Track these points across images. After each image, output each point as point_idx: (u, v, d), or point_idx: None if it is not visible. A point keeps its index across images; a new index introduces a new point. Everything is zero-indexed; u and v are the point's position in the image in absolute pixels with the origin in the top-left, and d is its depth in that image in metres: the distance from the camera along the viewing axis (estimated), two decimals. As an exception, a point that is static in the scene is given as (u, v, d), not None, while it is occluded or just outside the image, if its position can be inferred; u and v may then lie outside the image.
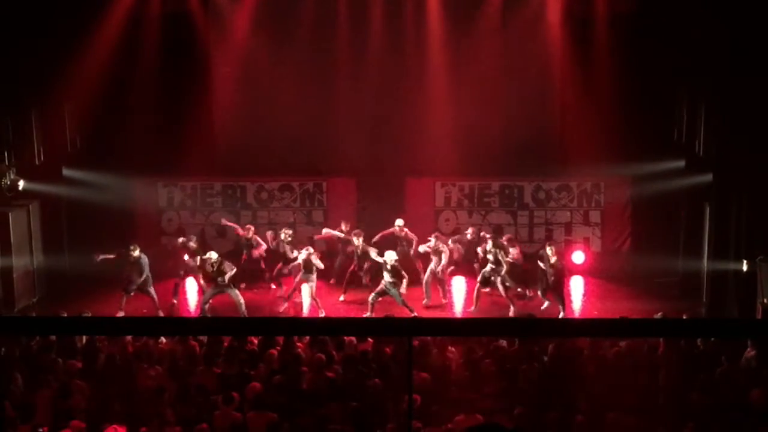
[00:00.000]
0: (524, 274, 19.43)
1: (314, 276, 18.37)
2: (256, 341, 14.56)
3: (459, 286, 20.06)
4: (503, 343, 14.44)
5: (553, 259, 18.10)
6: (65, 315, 15.00)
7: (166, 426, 11.91)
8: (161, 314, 18.10)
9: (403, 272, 17.99)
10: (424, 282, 19.04)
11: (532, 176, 21.70)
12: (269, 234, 20.18)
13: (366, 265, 19.28)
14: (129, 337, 14.26)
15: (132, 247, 18.26)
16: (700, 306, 18.72)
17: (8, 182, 19.25)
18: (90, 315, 15.37)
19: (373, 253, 18.55)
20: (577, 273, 21.08)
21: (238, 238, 20.21)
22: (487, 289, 18.67)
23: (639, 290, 19.82)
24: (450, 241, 19.62)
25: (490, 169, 21.63)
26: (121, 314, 17.63)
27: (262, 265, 19.95)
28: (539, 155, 21.27)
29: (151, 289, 18.36)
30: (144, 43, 20.83)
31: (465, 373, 13.52)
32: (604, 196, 21.68)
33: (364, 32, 21.28)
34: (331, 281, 20.15)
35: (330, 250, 20.67)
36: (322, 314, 18.21)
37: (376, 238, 19.37)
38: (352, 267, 19.41)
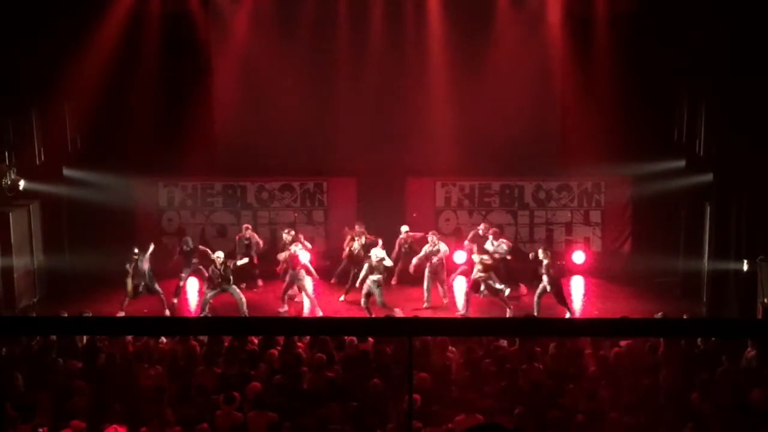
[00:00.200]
0: (512, 272, 19.41)
1: (303, 272, 18.39)
2: (256, 341, 14.56)
3: (460, 287, 20.03)
4: (503, 343, 14.44)
5: (545, 262, 18.03)
6: (66, 315, 14.99)
7: (167, 426, 11.91)
8: (168, 313, 18.13)
9: (386, 269, 18.04)
10: (425, 284, 18.99)
11: (532, 176, 21.69)
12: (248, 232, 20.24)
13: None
14: (129, 337, 14.26)
15: (135, 252, 18.33)
16: (700, 306, 18.71)
17: (9, 182, 19.25)
18: (90, 315, 15.37)
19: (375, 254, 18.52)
20: (577, 273, 21.08)
21: (242, 238, 20.23)
22: (479, 295, 18.54)
23: (639, 290, 19.82)
24: (466, 242, 19.75)
25: (490, 169, 21.62)
26: (121, 314, 17.65)
27: (255, 261, 20.01)
28: (540, 155, 21.27)
29: (158, 287, 18.42)
30: (144, 43, 20.83)
31: (465, 373, 13.52)
32: (605, 195, 21.68)
33: (365, 32, 21.27)
34: (332, 281, 20.17)
35: (330, 251, 20.69)
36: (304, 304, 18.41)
37: (393, 255, 19.49)
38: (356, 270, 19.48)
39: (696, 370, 13.38)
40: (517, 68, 21.20)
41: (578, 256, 21.22)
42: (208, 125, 21.72)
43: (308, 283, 19.05)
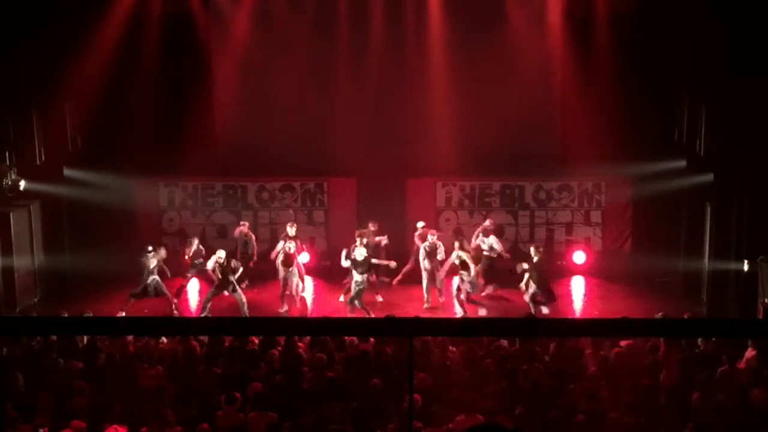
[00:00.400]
0: (497, 271, 19.45)
1: (295, 270, 18.50)
2: (257, 341, 14.56)
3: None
4: (504, 343, 14.44)
5: (535, 259, 18.01)
6: (66, 315, 14.99)
7: (167, 426, 11.91)
8: (176, 314, 18.14)
9: (370, 268, 18.05)
10: (424, 285, 18.96)
11: (532, 176, 21.70)
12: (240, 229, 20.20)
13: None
14: (130, 337, 14.26)
15: (149, 249, 18.38)
16: (700, 306, 18.70)
17: (9, 182, 19.26)
18: (91, 315, 15.37)
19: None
20: (578, 273, 21.10)
21: (240, 236, 20.23)
22: (463, 296, 18.47)
23: (640, 290, 19.82)
24: (474, 238, 19.73)
25: (490, 169, 21.64)
26: (122, 314, 17.66)
27: (254, 258, 20.04)
28: (540, 155, 21.28)
29: (166, 290, 18.45)
30: (145, 43, 20.84)
31: (466, 373, 13.52)
32: (605, 196, 21.69)
33: (365, 32, 21.28)
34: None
35: (331, 251, 20.70)
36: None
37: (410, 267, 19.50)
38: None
39: (696, 370, 13.37)
40: (517, 68, 21.19)
41: (579, 256, 21.25)
42: (209, 125, 21.73)
43: (299, 281, 19.04)
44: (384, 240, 19.65)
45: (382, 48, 21.25)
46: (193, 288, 20.12)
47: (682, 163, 20.00)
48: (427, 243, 18.94)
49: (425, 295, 18.89)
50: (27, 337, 14.15)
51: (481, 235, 19.57)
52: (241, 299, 17.92)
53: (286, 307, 18.76)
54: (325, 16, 21.31)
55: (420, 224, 19.84)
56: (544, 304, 18.10)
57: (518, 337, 14.18)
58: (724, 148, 17.91)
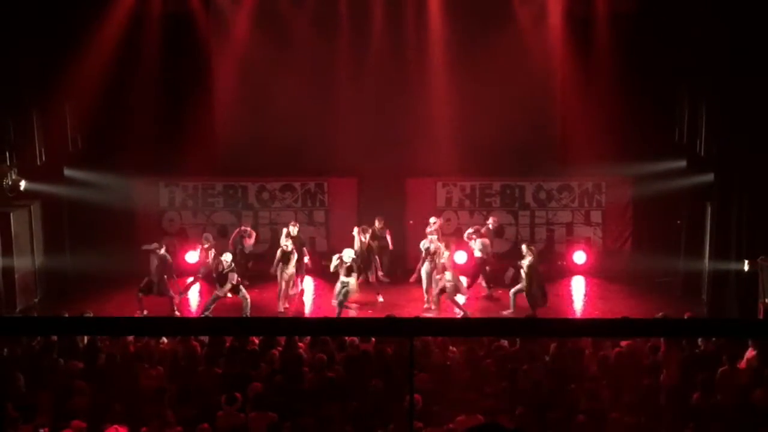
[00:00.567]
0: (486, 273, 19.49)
1: (291, 267, 18.54)
2: (257, 341, 14.56)
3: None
4: (504, 343, 14.44)
5: (526, 259, 17.97)
6: (66, 315, 14.99)
7: (167, 426, 11.91)
8: (177, 314, 18.14)
9: (356, 271, 18.07)
10: (423, 285, 18.95)
11: (533, 176, 21.70)
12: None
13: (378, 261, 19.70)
14: (130, 338, 14.26)
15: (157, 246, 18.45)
16: (701, 306, 18.71)
17: (10, 182, 19.25)
18: (91, 315, 15.36)
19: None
20: (578, 273, 21.10)
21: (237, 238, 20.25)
22: (443, 295, 18.42)
23: (640, 290, 19.82)
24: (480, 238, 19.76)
25: (491, 169, 21.63)
26: (145, 313, 17.77)
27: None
28: (540, 155, 21.28)
29: (170, 291, 18.45)
30: (145, 43, 20.83)
31: (466, 373, 13.52)
32: (606, 196, 21.67)
33: (365, 32, 21.28)
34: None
35: (331, 251, 20.68)
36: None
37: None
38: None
39: (697, 370, 13.38)
40: (517, 68, 21.18)
41: (579, 257, 21.24)
42: (209, 125, 21.71)
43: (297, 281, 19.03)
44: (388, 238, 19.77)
45: (382, 48, 21.25)
46: (195, 288, 20.11)
47: (683, 163, 19.99)
48: (430, 243, 18.95)
49: (425, 296, 18.88)
50: (27, 337, 14.15)
51: (474, 235, 19.60)
52: (245, 299, 17.91)
53: (286, 305, 18.78)
54: (326, 15, 21.31)
55: (432, 220, 19.85)
56: (537, 306, 18.03)
57: (518, 337, 14.18)
58: (725, 148, 17.92)
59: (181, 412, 12.37)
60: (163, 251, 18.41)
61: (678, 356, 13.96)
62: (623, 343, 14.19)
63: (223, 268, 17.84)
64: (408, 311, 18.34)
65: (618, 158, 20.42)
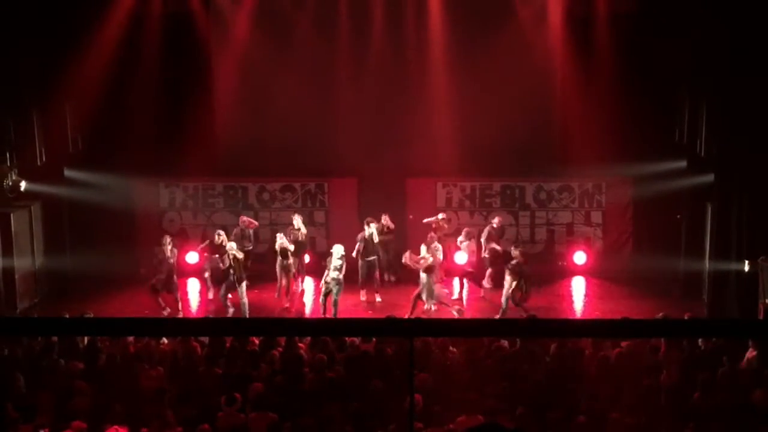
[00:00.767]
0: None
1: (290, 262, 18.58)
2: (257, 342, 14.56)
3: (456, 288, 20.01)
4: (505, 343, 14.44)
5: (514, 261, 17.94)
6: (67, 316, 14.99)
7: (168, 427, 11.91)
8: (181, 314, 18.15)
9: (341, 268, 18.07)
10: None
11: (533, 176, 21.70)
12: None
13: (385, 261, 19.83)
14: (130, 338, 14.26)
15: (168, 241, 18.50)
16: (701, 306, 18.71)
17: (10, 183, 19.26)
18: (92, 316, 15.37)
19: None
20: (578, 273, 21.09)
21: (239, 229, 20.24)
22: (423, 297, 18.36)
23: (640, 290, 19.80)
24: (483, 241, 19.79)
25: (491, 170, 21.63)
26: (167, 311, 17.90)
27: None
28: (540, 155, 21.26)
29: (174, 286, 18.49)
30: (145, 43, 20.82)
31: (466, 374, 13.52)
32: (606, 196, 21.67)
33: (365, 32, 21.28)
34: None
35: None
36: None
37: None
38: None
39: (697, 370, 13.37)
40: (517, 68, 21.17)
41: (579, 257, 21.23)
42: (209, 125, 21.71)
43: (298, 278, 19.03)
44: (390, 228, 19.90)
45: (382, 48, 21.25)
46: (194, 288, 20.11)
47: (683, 164, 19.99)
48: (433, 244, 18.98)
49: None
50: (28, 337, 14.15)
51: (463, 235, 19.59)
52: (243, 299, 17.93)
53: (287, 304, 18.80)
54: (326, 15, 21.31)
55: (440, 216, 19.80)
56: (519, 304, 17.92)
57: (519, 338, 14.18)
58: (725, 148, 17.91)
59: (181, 413, 12.37)
60: (171, 246, 18.46)
61: (678, 357, 13.96)
62: (623, 344, 14.18)
63: (229, 262, 17.89)
64: (408, 311, 18.32)
65: (618, 158, 20.41)
